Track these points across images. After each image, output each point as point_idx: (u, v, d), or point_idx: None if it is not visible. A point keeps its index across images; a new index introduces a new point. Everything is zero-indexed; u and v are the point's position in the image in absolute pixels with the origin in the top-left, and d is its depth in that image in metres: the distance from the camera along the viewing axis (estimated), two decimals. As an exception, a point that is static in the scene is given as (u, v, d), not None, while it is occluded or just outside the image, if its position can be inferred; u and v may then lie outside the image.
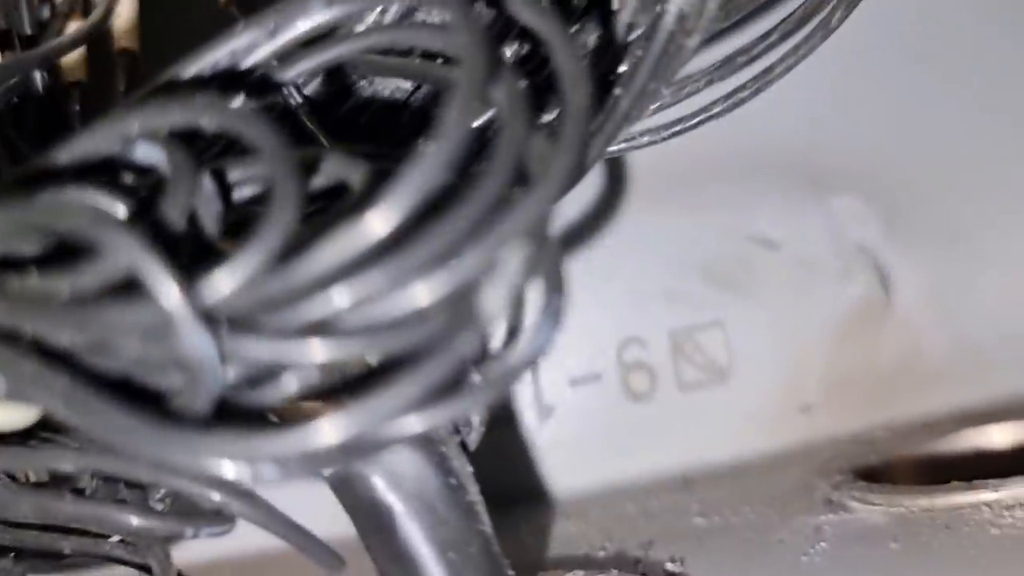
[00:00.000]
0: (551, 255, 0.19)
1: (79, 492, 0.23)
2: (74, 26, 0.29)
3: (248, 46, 0.19)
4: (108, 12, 0.29)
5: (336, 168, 0.19)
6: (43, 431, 0.21)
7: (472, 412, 0.18)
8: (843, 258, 0.37)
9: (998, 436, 0.32)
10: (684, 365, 0.37)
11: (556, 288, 0.18)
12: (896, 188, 0.37)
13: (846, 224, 0.37)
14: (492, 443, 0.35)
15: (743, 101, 0.25)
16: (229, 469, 0.17)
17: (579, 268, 0.36)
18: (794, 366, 0.37)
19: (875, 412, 0.37)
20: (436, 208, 0.17)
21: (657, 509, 0.32)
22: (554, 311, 0.18)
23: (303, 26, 0.19)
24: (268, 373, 0.17)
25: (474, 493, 0.22)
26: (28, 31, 0.25)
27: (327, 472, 0.21)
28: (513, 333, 0.20)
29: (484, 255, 0.16)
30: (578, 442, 0.36)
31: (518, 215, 0.16)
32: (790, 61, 0.25)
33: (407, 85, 0.23)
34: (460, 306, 0.17)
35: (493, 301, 0.17)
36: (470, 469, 0.22)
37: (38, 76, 0.26)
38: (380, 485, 0.21)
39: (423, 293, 0.16)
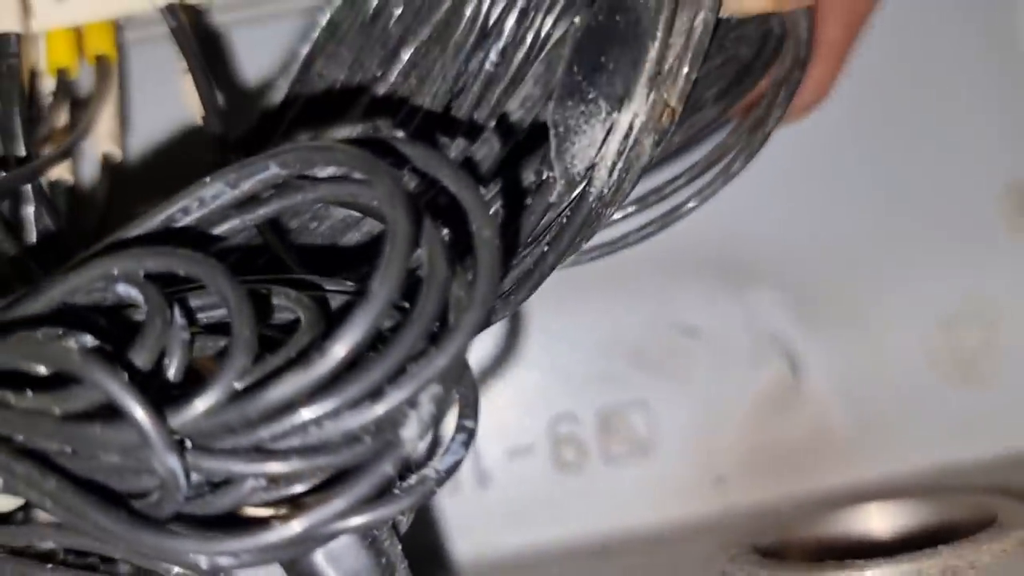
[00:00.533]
0: (468, 388, 0.22)
1: (52, 557, 0.26)
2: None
3: (214, 195, 0.22)
4: (92, 121, 0.33)
5: (288, 304, 0.22)
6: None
7: (395, 515, 0.21)
8: (756, 344, 0.41)
9: (877, 515, 0.36)
10: (610, 440, 0.40)
11: (469, 416, 0.22)
12: (805, 281, 0.41)
13: (759, 313, 0.41)
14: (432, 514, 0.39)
15: (651, 234, 0.29)
16: (191, 561, 0.20)
17: (518, 350, 0.40)
18: (710, 442, 0.40)
19: (784, 485, 0.40)
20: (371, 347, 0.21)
21: (575, 574, 0.35)
22: (465, 437, 0.21)
23: (260, 181, 0.22)
24: (224, 483, 0.21)
25: (402, 570, 0.25)
26: (23, 152, 0.28)
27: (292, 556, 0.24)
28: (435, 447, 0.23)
29: (405, 394, 0.20)
30: (512, 508, 0.40)
31: (434, 363, 0.20)
32: (695, 202, 0.29)
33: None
34: (385, 433, 0.20)
35: (411, 430, 0.20)
36: (399, 548, 0.25)
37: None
38: (321, 563, 0.24)
39: (355, 422, 0.20)
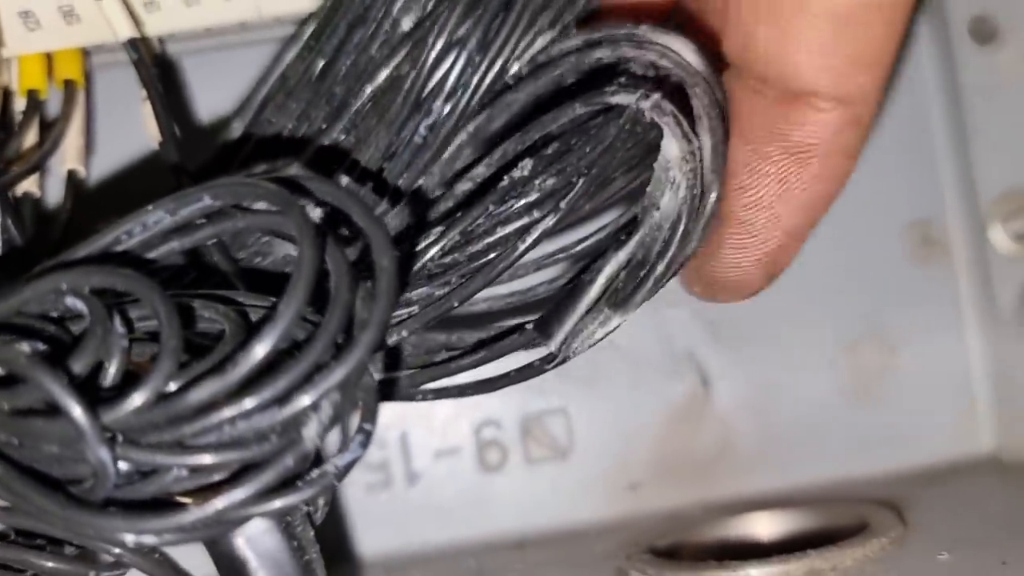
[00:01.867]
0: (369, 395, 0.26)
1: (3, 537, 0.29)
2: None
3: (155, 220, 0.26)
4: (59, 139, 0.36)
5: (216, 316, 0.26)
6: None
7: (297, 503, 0.24)
8: (671, 359, 0.44)
9: (764, 522, 0.39)
10: (531, 444, 0.43)
11: (368, 420, 0.25)
12: (717, 306, 0.43)
13: (675, 331, 0.44)
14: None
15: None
16: (120, 539, 0.23)
17: (448, 358, 0.43)
18: (625, 449, 0.44)
19: (692, 493, 0.43)
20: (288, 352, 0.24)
21: (490, 566, 0.39)
22: (363, 438, 0.25)
23: (195, 210, 0.25)
24: (151, 472, 0.24)
25: (312, 553, 0.28)
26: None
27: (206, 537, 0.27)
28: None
29: (308, 400, 0.23)
30: (440, 505, 0.43)
31: (334, 374, 0.23)
32: None
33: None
34: (289, 432, 0.23)
35: (312, 431, 0.23)
36: (312, 534, 0.29)
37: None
38: (239, 544, 0.28)
39: (264, 422, 0.23)
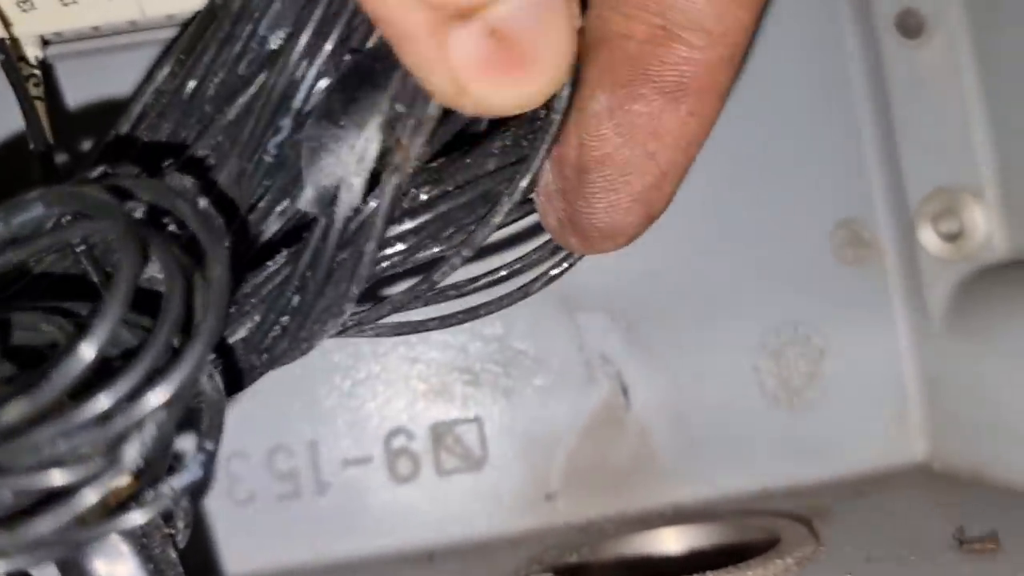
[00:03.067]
0: (214, 412, 0.24)
1: None
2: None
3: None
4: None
5: (48, 328, 0.24)
6: None
7: (128, 526, 0.23)
8: (588, 367, 0.43)
9: (673, 538, 0.38)
10: (444, 454, 0.42)
11: (211, 436, 0.24)
12: (635, 308, 0.43)
13: (591, 337, 0.43)
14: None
15: (454, 324, 0.32)
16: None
17: (355, 365, 0.42)
18: (541, 459, 0.42)
19: (610, 504, 0.42)
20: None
21: (390, 579, 0.38)
22: (204, 458, 0.23)
23: (28, 219, 0.24)
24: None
25: (172, 574, 0.27)
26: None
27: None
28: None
29: (129, 420, 0.22)
30: (349, 516, 0.42)
31: (159, 391, 0.22)
32: (493, 307, 0.31)
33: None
34: (113, 452, 0.22)
35: (132, 451, 0.22)
36: (173, 555, 0.27)
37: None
38: (92, 567, 0.26)
39: (84, 442, 0.22)
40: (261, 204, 0.27)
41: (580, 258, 0.31)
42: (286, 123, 0.26)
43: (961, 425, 0.42)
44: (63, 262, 0.28)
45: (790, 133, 0.44)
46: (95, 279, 0.29)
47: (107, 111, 0.39)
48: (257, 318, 0.28)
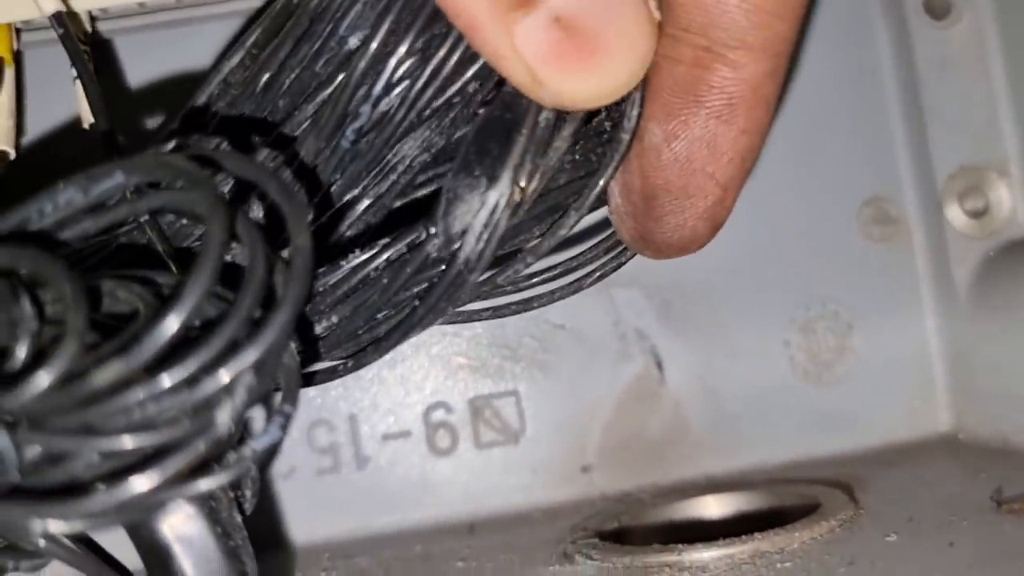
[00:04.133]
0: (290, 376, 0.25)
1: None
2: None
3: (67, 199, 0.25)
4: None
5: (127, 296, 0.25)
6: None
7: (214, 487, 0.24)
8: (623, 342, 0.43)
9: (714, 505, 0.39)
10: (482, 427, 0.43)
11: (289, 401, 0.24)
12: (669, 285, 0.44)
13: (627, 313, 0.43)
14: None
15: (503, 315, 0.32)
16: (25, 527, 0.23)
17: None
18: (577, 432, 0.43)
19: (645, 475, 0.43)
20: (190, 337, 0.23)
21: (436, 552, 0.38)
22: (283, 420, 0.24)
23: (108, 188, 0.25)
24: (59, 458, 0.23)
25: (238, 539, 0.28)
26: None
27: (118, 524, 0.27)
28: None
29: (218, 383, 0.22)
30: (389, 489, 0.42)
31: (246, 356, 0.22)
32: (545, 300, 0.32)
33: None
34: (201, 416, 0.23)
35: (224, 414, 0.23)
36: (239, 520, 0.28)
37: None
38: (161, 530, 0.27)
39: (174, 405, 0.22)
40: (334, 189, 0.28)
41: (630, 257, 0.32)
42: (365, 109, 0.27)
43: (986, 397, 0.43)
44: (135, 237, 0.29)
45: (819, 113, 0.44)
46: (161, 250, 0.30)
47: (156, 89, 0.39)
48: (335, 318, 0.29)
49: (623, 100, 0.29)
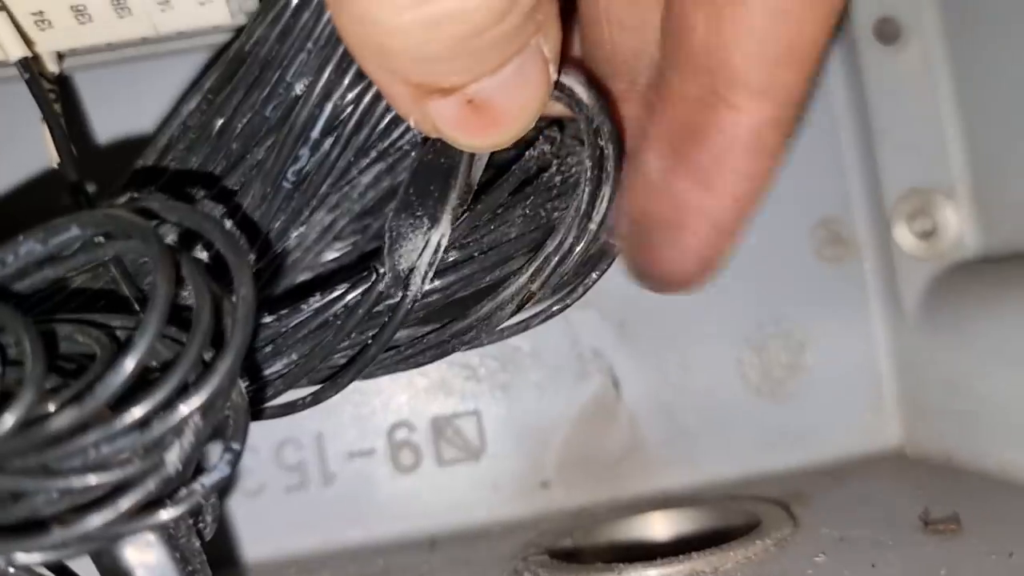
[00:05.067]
0: (239, 414, 0.26)
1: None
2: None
3: (27, 250, 0.26)
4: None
5: (84, 340, 0.26)
6: None
7: (166, 521, 0.25)
8: (581, 361, 0.45)
9: (660, 523, 0.40)
10: (444, 445, 0.44)
11: (237, 439, 0.26)
12: (625, 306, 0.45)
13: (583, 334, 0.45)
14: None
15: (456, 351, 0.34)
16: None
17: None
18: (537, 449, 0.45)
19: (602, 490, 0.45)
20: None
21: (396, 567, 0.40)
22: (231, 457, 0.25)
23: (64, 239, 0.26)
24: (20, 496, 0.25)
25: (196, 563, 0.29)
26: None
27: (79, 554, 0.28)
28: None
29: (167, 426, 0.24)
30: (355, 505, 0.44)
31: (193, 399, 0.24)
32: (495, 338, 0.33)
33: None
34: (152, 455, 0.24)
35: (174, 455, 0.24)
36: (197, 545, 0.29)
37: None
38: (123, 556, 0.28)
39: (126, 446, 0.24)
40: (276, 225, 0.29)
41: (578, 298, 0.33)
42: (304, 152, 0.29)
43: (933, 413, 0.44)
44: (95, 280, 0.30)
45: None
46: (127, 293, 0.31)
47: (122, 123, 0.41)
48: (295, 356, 0.31)
49: (571, 154, 0.31)
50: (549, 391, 0.45)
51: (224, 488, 0.43)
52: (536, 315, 0.34)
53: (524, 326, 0.33)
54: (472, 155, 0.28)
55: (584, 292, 0.33)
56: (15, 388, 0.26)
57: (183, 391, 0.24)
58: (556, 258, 0.31)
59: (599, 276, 0.33)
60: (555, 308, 0.33)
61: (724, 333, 0.46)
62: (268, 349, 0.31)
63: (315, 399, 0.33)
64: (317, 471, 0.44)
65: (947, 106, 0.45)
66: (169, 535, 0.29)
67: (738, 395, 0.46)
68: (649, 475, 0.45)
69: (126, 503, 0.24)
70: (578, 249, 0.30)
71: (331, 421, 0.44)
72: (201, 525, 0.31)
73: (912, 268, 0.45)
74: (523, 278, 0.31)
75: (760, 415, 0.46)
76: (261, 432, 0.44)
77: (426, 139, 0.29)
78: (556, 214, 0.31)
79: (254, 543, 0.43)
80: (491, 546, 0.41)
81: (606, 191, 0.30)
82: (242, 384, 0.28)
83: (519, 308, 0.32)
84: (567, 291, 0.33)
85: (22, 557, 0.24)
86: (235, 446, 0.26)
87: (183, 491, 0.25)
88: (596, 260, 0.32)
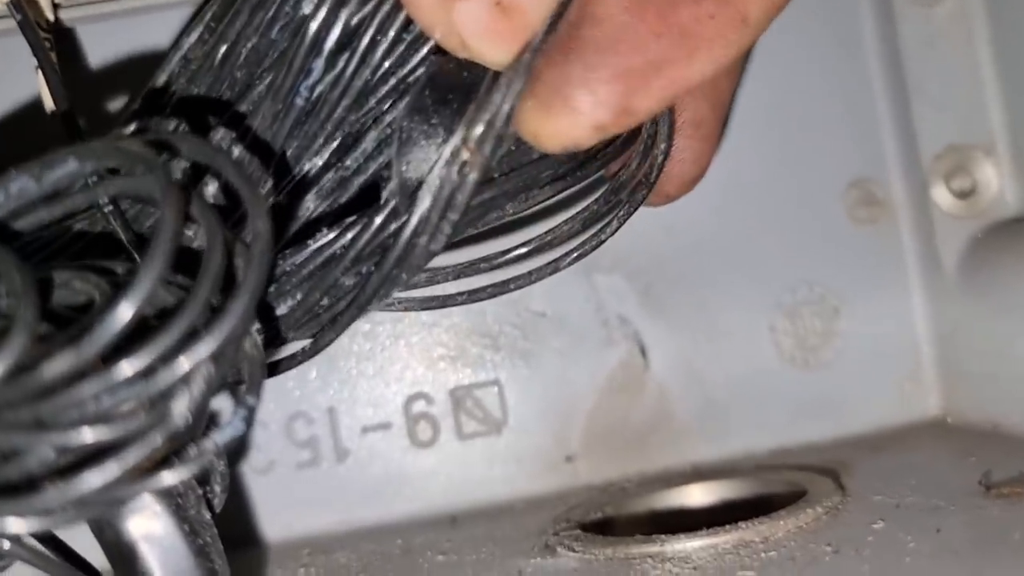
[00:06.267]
0: (254, 367, 0.24)
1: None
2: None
3: (20, 188, 0.24)
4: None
5: (83, 286, 0.24)
6: None
7: (174, 481, 0.23)
8: (606, 328, 0.43)
9: (698, 493, 0.38)
10: (463, 418, 0.42)
11: (252, 393, 0.24)
12: (651, 269, 0.43)
13: (609, 299, 0.43)
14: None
15: (480, 299, 0.31)
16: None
17: (372, 330, 0.42)
18: (561, 421, 0.42)
19: (629, 464, 0.42)
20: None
21: (417, 545, 0.37)
22: (246, 413, 0.23)
23: (61, 176, 0.24)
24: (11, 453, 0.22)
25: (207, 536, 0.27)
26: None
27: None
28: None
29: (175, 373, 0.22)
30: (370, 482, 0.42)
31: (203, 345, 0.22)
32: (522, 282, 0.31)
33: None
34: (158, 408, 0.22)
35: (182, 406, 0.22)
36: (207, 517, 0.27)
37: None
38: (126, 528, 0.26)
39: (129, 397, 0.22)
40: (293, 155, 0.27)
41: (612, 234, 0.31)
42: (317, 64, 0.26)
43: (975, 380, 0.42)
44: (96, 222, 0.28)
45: (804, 94, 0.44)
46: (123, 237, 0.29)
47: (119, 75, 0.38)
48: (299, 296, 0.29)
49: None
50: (573, 360, 0.43)
51: (234, 456, 0.40)
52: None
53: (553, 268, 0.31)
54: (497, 74, 0.26)
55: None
56: (4, 334, 0.23)
57: (191, 337, 0.22)
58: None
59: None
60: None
61: (755, 299, 0.43)
62: (271, 290, 0.29)
63: (315, 345, 0.30)
64: (330, 447, 0.42)
65: (985, 61, 0.43)
66: (177, 505, 0.27)
67: (771, 363, 0.43)
68: (679, 448, 0.43)
69: (130, 459, 0.22)
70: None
71: (344, 394, 0.42)
72: (210, 495, 0.28)
73: (951, 228, 0.43)
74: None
75: (794, 384, 0.43)
76: (270, 406, 0.42)
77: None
78: None
79: (264, 522, 0.41)
80: (516, 522, 0.39)
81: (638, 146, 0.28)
82: (256, 336, 0.26)
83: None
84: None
85: (15, 523, 0.22)
86: (251, 401, 0.24)
87: (193, 449, 0.23)
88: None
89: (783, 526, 0.32)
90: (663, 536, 0.32)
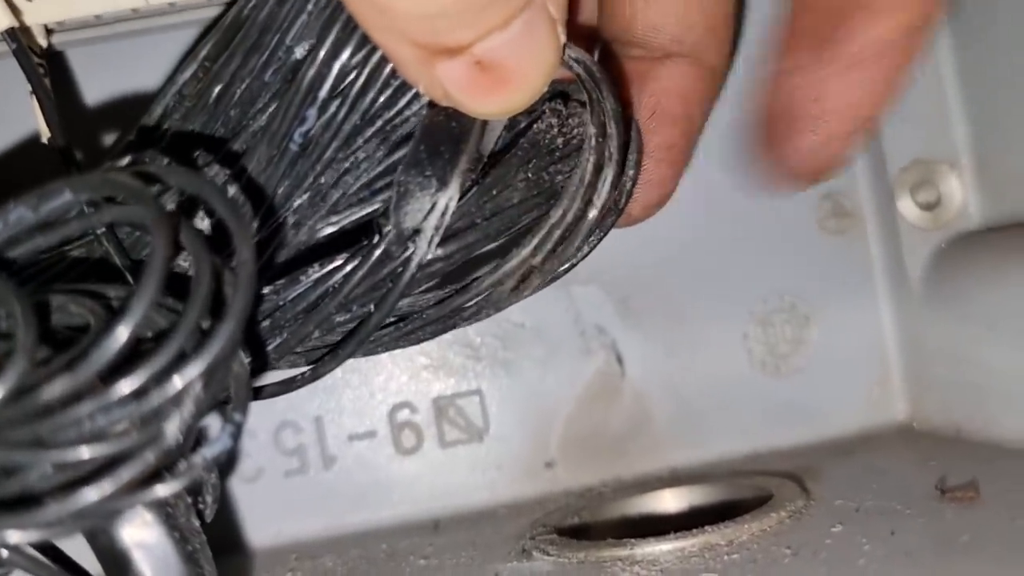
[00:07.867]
0: (240, 385, 0.25)
1: None
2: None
3: (17, 218, 0.25)
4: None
5: (78, 310, 0.26)
6: None
7: (166, 494, 0.24)
8: (584, 338, 0.44)
9: (670, 499, 0.40)
10: (446, 426, 0.44)
11: (239, 410, 0.25)
12: (628, 280, 0.44)
13: (586, 309, 0.44)
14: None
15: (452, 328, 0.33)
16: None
17: (359, 343, 0.43)
18: (540, 428, 0.44)
19: (607, 469, 0.44)
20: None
21: (401, 549, 0.39)
22: (233, 429, 0.24)
23: (57, 205, 0.25)
24: (13, 470, 0.24)
25: (196, 543, 0.28)
26: None
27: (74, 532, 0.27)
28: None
29: (166, 394, 0.23)
30: (356, 488, 0.43)
31: (192, 368, 0.23)
32: (491, 311, 0.32)
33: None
34: (150, 426, 0.23)
35: (173, 425, 0.23)
36: (196, 525, 0.29)
37: None
38: (120, 536, 0.28)
39: (123, 417, 0.23)
40: (280, 191, 0.29)
41: (582, 259, 0.32)
42: (311, 113, 0.28)
43: (940, 386, 0.44)
44: (93, 250, 0.29)
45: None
46: (119, 263, 0.30)
47: (113, 101, 0.40)
48: (292, 328, 0.30)
49: (572, 116, 0.30)
50: (552, 369, 0.44)
51: (224, 468, 0.42)
52: None
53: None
54: (484, 122, 0.28)
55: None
56: (5, 359, 0.25)
57: (182, 359, 0.23)
58: (559, 231, 0.30)
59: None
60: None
61: (729, 308, 0.45)
62: (266, 324, 0.30)
63: (314, 374, 0.32)
64: (317, 455, 0.43)
65: (949, 78, 0.44)
66: (168, 514, 0.28)
67: (743, 370, 0.45)
68: (655, 453, 0.44)
69: (124, 476, 0.23)
70: (584, 221, 0.30)
71: (330, 403, 0.43)
72: (201, 505, 0.30)
73: (916, 239, 0.44)
74: (525, 251, 0.30)
75: (766, 390, 0.45)
76: (258, 416, 0.43)
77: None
78: (559, 178, 0.30)
79: (253, 529, 0.42)
80: (496, 527, 0.40)
81: (608, 173, 0.29)
82: (243, 355, 0.27)
83: (520, 282, 0.31)
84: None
85: (15, 535, 0.24)
86: (237, 418, 0.25)
87: (183, 464, 0.25)
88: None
89: (747, 530, 0.34)
90: (633, 540, 0.33)
